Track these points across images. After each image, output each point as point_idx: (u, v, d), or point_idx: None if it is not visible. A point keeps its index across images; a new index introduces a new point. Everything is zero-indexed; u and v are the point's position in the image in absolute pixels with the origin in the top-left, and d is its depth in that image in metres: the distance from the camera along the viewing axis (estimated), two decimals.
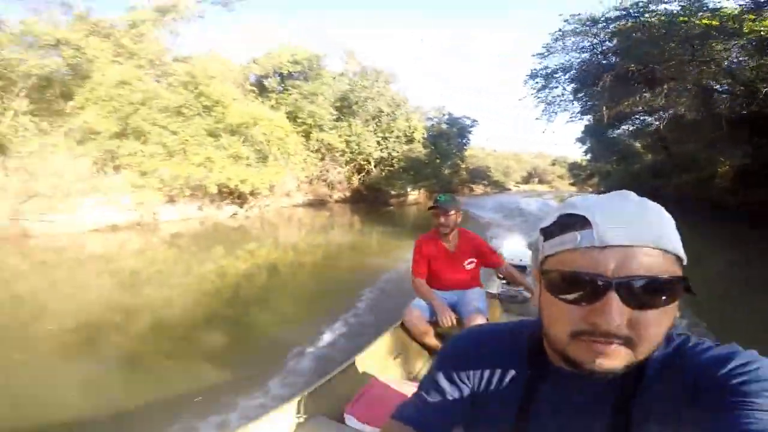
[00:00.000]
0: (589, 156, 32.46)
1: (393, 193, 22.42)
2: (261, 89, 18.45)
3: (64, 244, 10.16)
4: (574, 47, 11.93)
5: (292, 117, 17.43)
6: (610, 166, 28.89)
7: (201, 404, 3.02)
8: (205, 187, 12.38)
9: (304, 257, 10.01)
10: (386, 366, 2.40)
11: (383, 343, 2.50)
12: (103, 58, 12.53)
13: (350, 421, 1.82)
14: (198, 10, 17.71)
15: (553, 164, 68.28)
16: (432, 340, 2.57)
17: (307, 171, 17.56)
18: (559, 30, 11.73)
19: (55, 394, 3.24)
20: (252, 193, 13.57)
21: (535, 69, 13.85)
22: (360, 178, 20.80)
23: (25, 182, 10.65)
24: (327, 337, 4.32)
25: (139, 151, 11.95)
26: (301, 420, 1.86)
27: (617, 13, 10.20)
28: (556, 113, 14.85)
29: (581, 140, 30.75)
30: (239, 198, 13.87)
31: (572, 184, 53.35)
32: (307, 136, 17.59)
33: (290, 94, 18.51)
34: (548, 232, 0.52)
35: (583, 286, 0.46)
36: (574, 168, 51.23)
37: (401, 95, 22.18)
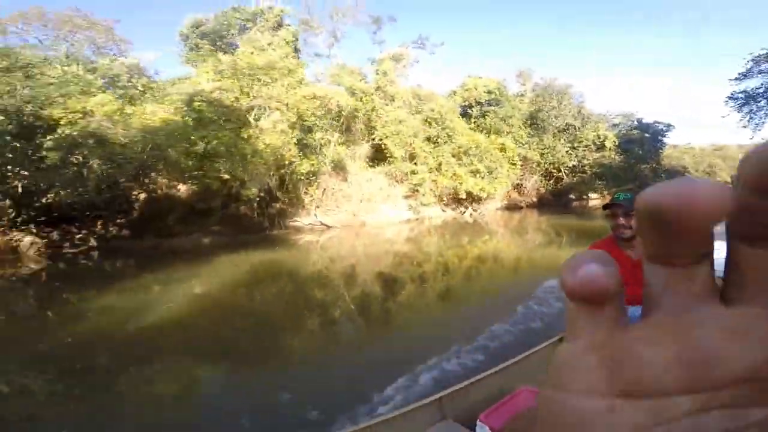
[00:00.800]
0: None
1: (573, 197, 26.91)
2: (464, 115, 25.23)
3: (377, 232, 17.97)
4: None
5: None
6: None
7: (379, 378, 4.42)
8: (457, 194, 19.28)
9: (510, 249, 15.03)
10: (536, 380, 2.47)
11: (540, 355, 2.64)
12: (377, 101, 20.42)
13: (482, 429, 1.85)
14: (415, 56, 25.57)
15: None
16: None
17: (509, 180, 23.50)
18: (751, 60, 15.40)
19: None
20: (487, 198, 20.16)
21: (734, 92, 17.55)
22: (548, 185, 25.84)
23: (357, 191, 19.00)
24: (491, 333, 5.50)
25: (413, 169, 19.47)
26: (432, 422, 2.07)
27: None
28: (764, 122, 17.83)
29: None
30: (469, 202, 20.58)
31: None
32: (503, 150, 23.54)
33: (487, 118, 24.84)
34: None
35: None
36: None
37: (587, 108, 26.56)
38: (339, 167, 18.77)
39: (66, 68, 11.72)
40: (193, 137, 11.14)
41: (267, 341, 6.59)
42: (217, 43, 19.92)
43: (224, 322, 7.64)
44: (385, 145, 19.44)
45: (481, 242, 16.79)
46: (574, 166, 25.18)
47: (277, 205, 16.65)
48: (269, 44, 18.40)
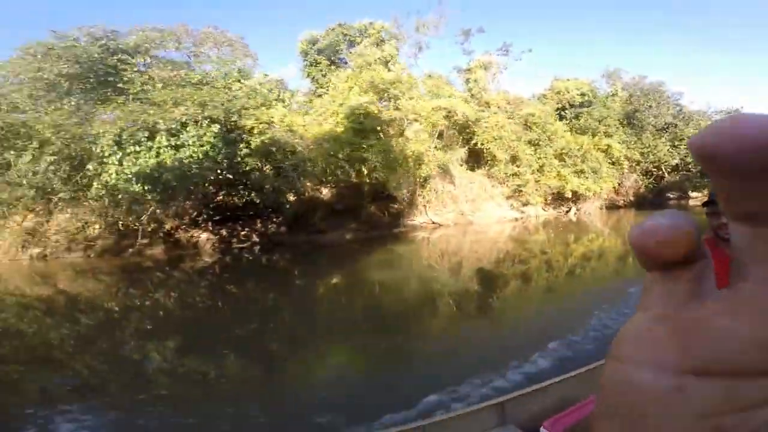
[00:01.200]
0: None
1: (671, 196, 26.74)
2: (558, 118, 25.89)
3: (482, 230, 19.18)
4: None
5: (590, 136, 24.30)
6: None
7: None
8: (561, 193, 20.08)
9: (616, 248, 15.28)
10: None
11: None
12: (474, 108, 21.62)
13: None
14: (504, 63, 26.59)
15: None
16: None
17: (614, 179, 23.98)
18: None
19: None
20: (593, 197, 20.86)
21: None
22: (648, 183, 25.90)
23: (462, 192, 20.28)
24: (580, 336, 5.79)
25: (515, 171, 20.47)
26: (491, 426, 2.07)
27: None
28: None
29: None
30: (572, 201, 21.28)
31: None
32: (605, 151, 24.01)
33: (581, 119, 25.36)
34: None
35: None
36: None
37: (687, 107, 26.44)
38: (444, 170, 20.17)
39: (244, 82, 13.85)
40: (364, 146, 12.93)
41: (394, 325, 7.92)
42: (332, 58, 22.02)
43: (363, 308, 9.19)
44: (487, 148, 20.60)
45: (587, 240, 17.55)
46: (677, 164, 25.15)
47: (396, 206, 18.30)
48: (387, 60, 20.17)
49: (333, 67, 21.95)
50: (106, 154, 10.04)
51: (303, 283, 12.48)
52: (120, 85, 11.12)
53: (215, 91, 12.04)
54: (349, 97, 14.70)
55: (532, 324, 7.30)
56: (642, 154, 24.65)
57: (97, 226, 11.79)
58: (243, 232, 15.45)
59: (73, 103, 10.41)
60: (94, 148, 10.01)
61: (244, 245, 15.32)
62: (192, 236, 14.95)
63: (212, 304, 10.69)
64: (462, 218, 19.81)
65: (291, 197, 16.55)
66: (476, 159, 21.47)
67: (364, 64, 19.82)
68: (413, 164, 14.81)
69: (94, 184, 10.24)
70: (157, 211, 12.94)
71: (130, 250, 14.57)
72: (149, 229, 14.69)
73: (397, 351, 6.52)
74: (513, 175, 20.48)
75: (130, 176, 9.98)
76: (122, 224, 11.89)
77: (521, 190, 20.29)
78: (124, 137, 10.18)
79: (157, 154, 10.29)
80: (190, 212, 14.56)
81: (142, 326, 8.54)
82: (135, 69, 11.64)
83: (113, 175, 9.92)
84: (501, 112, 22.96)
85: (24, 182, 10.29)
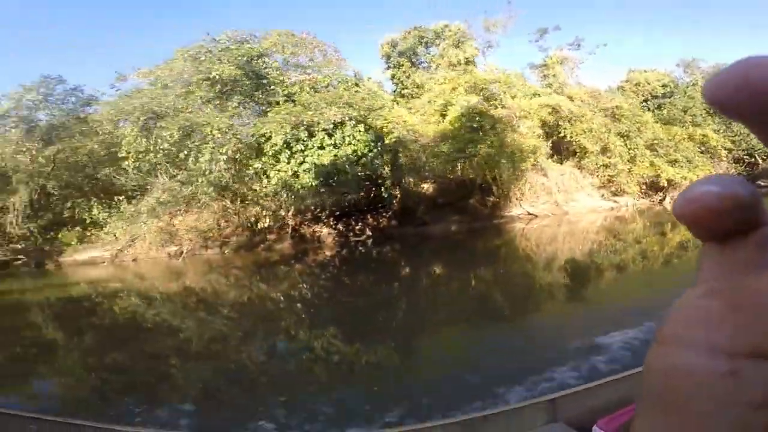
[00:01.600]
0: None
1: (762, 183, 26.06)
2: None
3: (576, 220, 19.60)
4: None
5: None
6: None
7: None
8: (656, 183, 20.19)
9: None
10: None
11: None
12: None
13: None
14: (579, 59, 26.83)
15: None
16: None
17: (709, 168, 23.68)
18: None
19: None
20: (685, 185, 20.89)
21: None
22: (741, 172, 25.35)
23: (553, 183, 20.71)
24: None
25: (606, 162, 20.72)
26: (541, 422, 2.09)
27: None
28: None
29: None
30: (666, 190, 21.32)
31: None
32: (699, 141, 23.81)
33: (664, 110, 25.26)
34: None
35: None
36: None
37: None
38: (536, 163, 20.73)
39: (363, 85, 14.99)
40: (488, 142, 13.83)
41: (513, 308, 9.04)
42: (411, 60, 23.14)
43: (475, 295, 10.20)
44: (577, 141, 21.02)
45: (684, 229, 17.60)
46: None
47: (492, 198, 19.06)
48: (469, 60, 21.05)
49: (413, 69, 23.03)
50: (270, 153, 11.35)
51: (421, 272, 13.48)
52: (272, 87, 12.44)
53: (356, 94, 13.19)
54: (453, 97, 15.65)
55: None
56: (733, 142, 24.23)
57: (267, 221, 13.14)
58: (357, 227, 16.64)
59: (236, 104, 11.80)
60: (262, 147, 11.33)
61: (360, 238, 16.53)
62: (314, 231, 16.26)
63: (336, 294, 11.70)
64: (556, 209, 20.33)
65: (397, 192, 17.67)
66: (558, 151, 21.87)
67: (449, 65, 20.81)
68: (527, 157, 15.59)
69: (263, 180, 11.56)
70: (296, 207, 14.11)
71: (261, 245, 16.03)
72: (276, 226, 16.08)
73: (522, 330, 7.41)
74: (604, 166, 20.76)
75: (299, 172, 11.24)
76: (283, 219, 13.07)
77: (614, 180, 20.54)
78: (289, 136, 11.46)
79: (321, 152, 11.50)
80: (312, 209, 15.85)
81: (282, 316, 9.56)
82: (278, 72, 12.95)
83: (288, 172, 11.19)
84: (584, 105, 23.29)
85: (200, 180, 11.76)
